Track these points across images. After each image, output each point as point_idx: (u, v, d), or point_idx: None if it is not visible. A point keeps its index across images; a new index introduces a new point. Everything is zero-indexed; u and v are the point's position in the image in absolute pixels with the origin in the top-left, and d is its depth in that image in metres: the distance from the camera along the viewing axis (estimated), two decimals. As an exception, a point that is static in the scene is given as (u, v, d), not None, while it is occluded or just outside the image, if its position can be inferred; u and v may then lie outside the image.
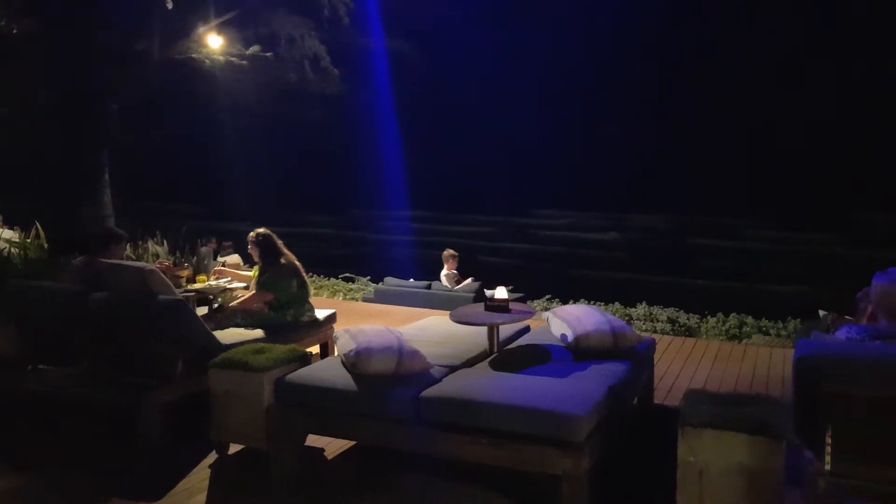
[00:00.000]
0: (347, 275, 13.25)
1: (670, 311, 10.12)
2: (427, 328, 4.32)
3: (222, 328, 4.32)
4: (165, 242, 7.48)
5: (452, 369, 3.44)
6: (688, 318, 9.78)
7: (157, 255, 6.97)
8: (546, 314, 3.98)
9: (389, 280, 9.66)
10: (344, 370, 3.32)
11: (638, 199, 20.73)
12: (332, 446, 3.69)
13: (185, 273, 5.38)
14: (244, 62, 9.86)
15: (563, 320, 3.73)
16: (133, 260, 6.21)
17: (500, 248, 20.70)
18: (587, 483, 2.71)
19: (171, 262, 5.99)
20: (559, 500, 2.73)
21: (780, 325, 9.10)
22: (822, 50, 18.51)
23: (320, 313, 4.92)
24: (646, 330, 8.92)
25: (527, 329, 4.47)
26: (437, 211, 22.62)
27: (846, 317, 3.78)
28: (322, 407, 3.21)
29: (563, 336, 3.68)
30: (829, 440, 2.47)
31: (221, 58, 9.62)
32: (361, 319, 6.60)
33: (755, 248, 18.26)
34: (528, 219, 22.43)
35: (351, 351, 3.28)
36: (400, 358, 3.25)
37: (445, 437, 2.94)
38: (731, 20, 20.09)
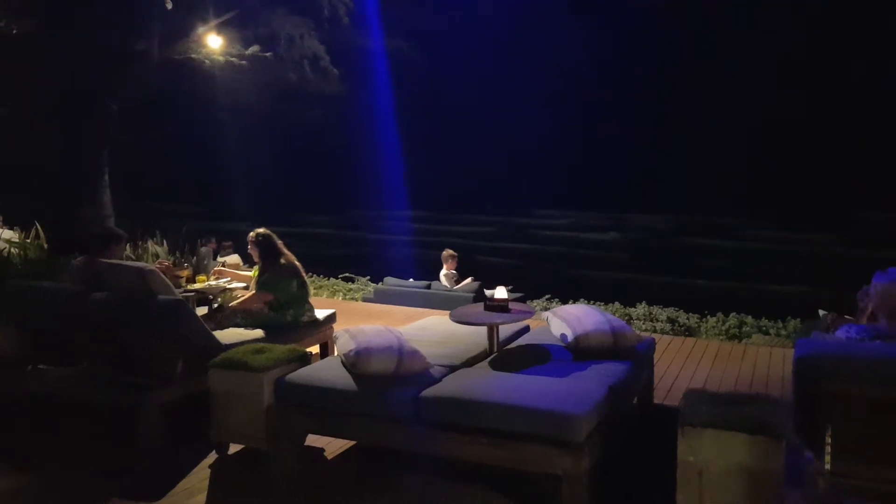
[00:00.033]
0: (347, 275, 13.24)
1: (670, 311, 10.10)
2: (427, 328, 4.32)
3: (222, 328, 4.32)
4: (165, 242, 7.48)
5: (452, 369, 3.44)
6: (687, 318, 9.77)
7: (156, 256, 6.96)
8: (546, 314, 3.97)
9: (389, 280, 9.66)
10: (344, 370, 3.32)
11: (638, 199, 20.69)
12: (332, 446, 3.69)
13: (185, 273, 5.37)
14: (244, 62, 9.88)
15: (562, 320, 3.73)
16: (133, 260, 6.21)
17: (500, 248, 20.67)
18: (587, 483, 2.71)
19: (170, 262, 6.00)
20: (559, 500, 2.72)
21: (780, 324, 9.09)
22: (822, 50, 18.49)
23: (320, 313, 4.92)
24: (646, 330, 8.91)
25: (526, 329, 4.47)
26: (436, 211, 22.58)
27: (846, 316, 3.78)
28: (322, 407, 3.21)
29: (563, 336, 3.68)
30: (828, 440, 2.48)
31: (221, 58, 9.64)
32: (361, 319, 6.59)
33: (755, 248, 18.22)
34: (528, 219, 22.38)
35: (351, 351, 3.28)
36: (400, 358, 3.25)
37: (445, 437, 2.94)
38: (731, 20, 20.07)
